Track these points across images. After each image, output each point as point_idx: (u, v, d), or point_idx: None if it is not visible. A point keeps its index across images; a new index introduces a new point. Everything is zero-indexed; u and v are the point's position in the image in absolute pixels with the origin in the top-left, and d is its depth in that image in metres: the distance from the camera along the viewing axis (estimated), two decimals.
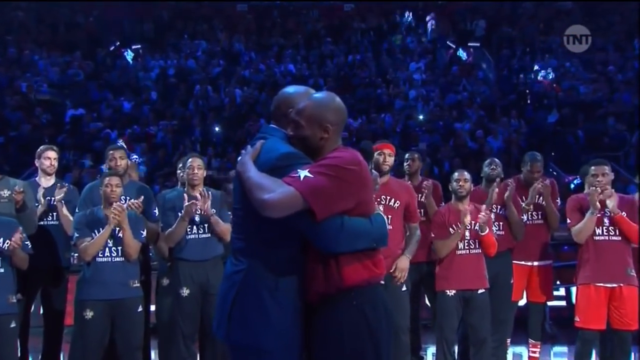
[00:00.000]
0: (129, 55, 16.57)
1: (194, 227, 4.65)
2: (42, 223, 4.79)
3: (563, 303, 7.33)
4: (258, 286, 2.29)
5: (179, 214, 4.58)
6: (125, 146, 5.85)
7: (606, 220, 4.59)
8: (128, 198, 4.59)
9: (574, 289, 5.37)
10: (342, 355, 2.27)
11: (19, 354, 4.63)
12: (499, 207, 5.17)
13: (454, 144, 11.97)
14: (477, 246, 4.72)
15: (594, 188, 4.53)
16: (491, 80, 15.64)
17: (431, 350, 5.89)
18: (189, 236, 4.65)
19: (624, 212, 4.57)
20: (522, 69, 15.08)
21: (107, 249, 4.27)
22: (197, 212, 4.60)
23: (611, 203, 4.55)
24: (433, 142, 12.09)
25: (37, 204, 4.80)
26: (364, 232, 2.29)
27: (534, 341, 5.33)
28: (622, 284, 4.55)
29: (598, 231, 4.60)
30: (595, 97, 13.39)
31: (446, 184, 5.16)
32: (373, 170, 4.39)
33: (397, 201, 4.51)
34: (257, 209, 2.20)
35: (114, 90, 14.57)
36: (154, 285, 4.98)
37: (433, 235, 4.81)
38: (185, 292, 4.60)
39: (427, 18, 17.76)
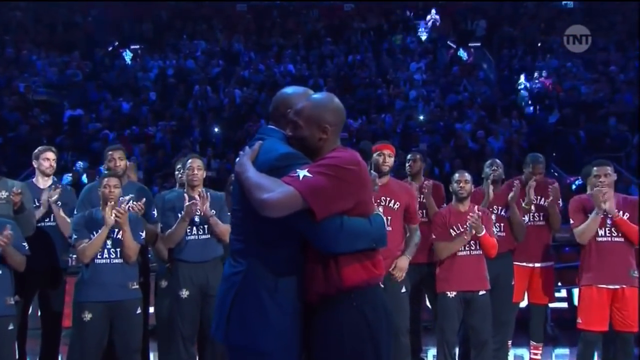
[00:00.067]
0: (128, 56, 16.57)
1: (194, 228, 4.63)
2: (39, 225, 4.76)
3: (565, 305, 7.31)
4: (257, 287, 2.28)
5: (179, 215, 4.56)
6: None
7: (609, 222, 4.56)
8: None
9: (575, 291, 5.34)
10: (342, 356, 2.26)
11: (17, 357, 4.59)
12: (500, 208, 5.14)
13: (455, 145, 11.94)
14: (477, 247, 4.68)
15: (598, 188, 4.50)
16: (492, 80, 15.62)
17: (432, 352, 5.86)
18: (189, 237, 4.62)
19: (626, 214, 4.54)
20: (522, 69, 15.06)
21: (105, 250, 4.24)
22: (197, 213, 4.57)
23: (608, 204, 4.51)
24: (433, 143, 12.06)
25: (37, 205, 4.78)
26: (363, 232, 2.28)
27: (535, 343, 5.32)
28: (624, 286, 4.51)
29: (601, 232, 4.57)
30: (596, 97, 13.36)
31: (447, 185, 5.12)
32: (372, 171, 4.37)
33: (397, 202, 4.48)
34: (256, 209, 2.19)
35: (113, 90, 14.56)
36: (153, 287, 4.95)
37: (434, 236, 4.78)
38: (184, 293, 4.57)
39: (428, 17, 17.74)
